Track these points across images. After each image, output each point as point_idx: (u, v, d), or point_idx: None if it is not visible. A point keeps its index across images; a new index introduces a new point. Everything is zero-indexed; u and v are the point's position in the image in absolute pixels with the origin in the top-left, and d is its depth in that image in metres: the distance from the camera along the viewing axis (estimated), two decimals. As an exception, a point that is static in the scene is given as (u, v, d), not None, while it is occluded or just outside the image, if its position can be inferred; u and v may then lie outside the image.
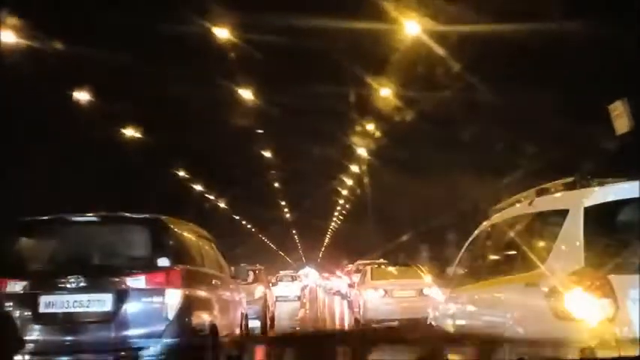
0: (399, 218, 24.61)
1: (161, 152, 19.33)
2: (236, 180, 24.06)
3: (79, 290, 4.50)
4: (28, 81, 11.28)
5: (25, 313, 4.44)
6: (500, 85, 10.70)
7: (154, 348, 4.51)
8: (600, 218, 3.39)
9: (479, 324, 4.41)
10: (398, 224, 24.77)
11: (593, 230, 3.32)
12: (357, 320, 13.09)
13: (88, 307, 4.49)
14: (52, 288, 4.50)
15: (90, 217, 4.92)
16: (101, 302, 4.50)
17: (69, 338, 4.47)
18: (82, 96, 13.82)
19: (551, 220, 3.71)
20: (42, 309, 4.47)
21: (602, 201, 3.44)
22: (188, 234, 5.46)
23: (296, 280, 29.36)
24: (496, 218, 4.68)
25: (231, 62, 12.61)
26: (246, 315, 7.24)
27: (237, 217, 36.25)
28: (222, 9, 10.52)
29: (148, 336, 4.52)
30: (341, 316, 17.64)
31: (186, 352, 4.66)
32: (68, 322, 4.48)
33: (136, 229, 4.89)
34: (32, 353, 4.40)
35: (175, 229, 5.12)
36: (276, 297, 21.33)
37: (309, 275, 46.86)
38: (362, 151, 20.51)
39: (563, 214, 3.56)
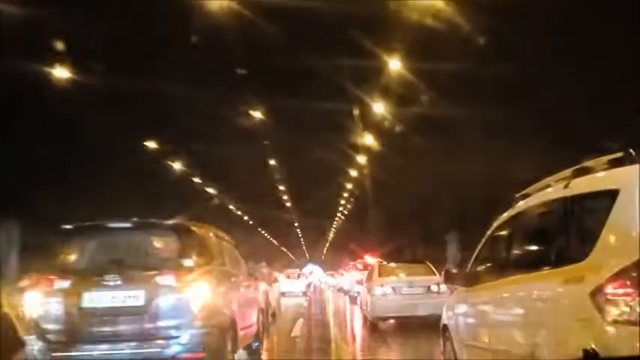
0: (403, 215, 25.27)
1: (165, 152, 19.84)
2: (240, 177, 24.40)
3: (116, 287, 5.29)
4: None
5: (70, 308, 5.27)
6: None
7: (181, 338, 5.30)
8: None
9: (504, 328, 4.10)
10: (402, 222, 25.58)
11: None
12: (364, 317, 13.66)
13: (124, 302, 5.29)
14: (93, 285, 5.30)
15: (124, 223, 5.74)
16: (135, 298, 5.29)
17: (108, 329, 5.27)
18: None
19: (595, 205, 3.28)
20: (85, 304, 5.28)
21: None
22: (210, 237, 6.28)
23: (301, 277, 31.58)
24: (522, 205, 4.28)
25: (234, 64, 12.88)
26: (263, 310, 8.16)
27: (240, 213, 36.74)
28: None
29: (176, 327, 5.31)
30: (343, 313, 18.57)
31: (209, 342, 5.47)
32: (107, 315, 5.27)
33: (165, 234, 5.71)
34: (75, 342, 5.30)
35: (199, 233, 5.94)
36: (283, 293, 22.69)
37: (314, 272, 48.15)
38: (363, 154, 20.95)
39: (611, 195, 3.11)
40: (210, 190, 27.49)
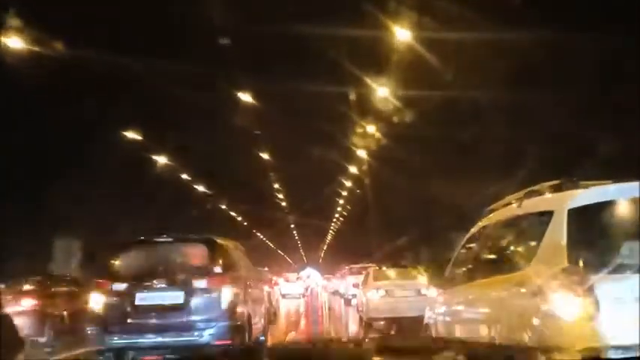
0: (400, 219, 25.42)
1: (162, 153, 20.76)
2: (237, 181, 25.28)
3: (161, 289, 7.13)
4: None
5: (126, 305, 7.10)
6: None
7: (212, 328, 7.14)
8: (583, 219, 3.77)
9: (471, 324, 5.00)
10: (399, 225, 25.74)
11: (576, 231, 3.72)
12: (360, 318, 15.39)
13: (167, 300, 7.12)
14: (143, 288, 7.13)
15: (166, 238, 7.62)
16: (176, 297, 7.12)
17: (155, 322, 7.09)
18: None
19: (539, 221, 4.09)
20: (137, 302, 7.10)
21: (585, 203, 3.83)
22: (232, 248, 8.18)
23: (299, 280, 35.06)
24: (488, 219, 5.23)
25: (231, 64, 13.25)
26: (267, 309, 10.03)
27: (238, 217, 37.85)
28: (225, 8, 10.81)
29: (208, 320, 7.13)
30: (339, 313, 20.17)
31: (233, 333, 7.30)
32: (154, 310, 7.10)
33: (198, 246, 7.57)
34: (129, 332, 7.11)
35: (223, 245, 7.82)
36: (283, 295, 25.39)
37: (311, 276, 50.47)
38: (362, 152, 21.33)
39: (549, 215, 3.94)
40: (200, 188, 27.63)
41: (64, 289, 12.99)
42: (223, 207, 33.53)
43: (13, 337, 4.60)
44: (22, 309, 10.92)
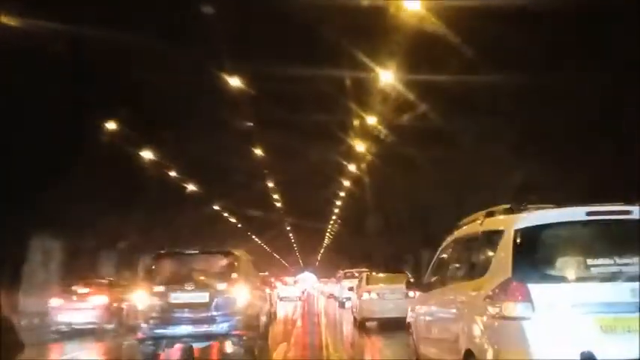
0: (397, 221, 26.38)
1: (156, 153, 20.91)
2: (233, 184, 26.06)
3: (190, 291, 9.29)
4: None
5: (163, 303, 9.27)
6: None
7: (230, 322, 9.32)
8: (526, 238, 4.54)
9: (442, 322, 5.91)
10: (399, 227, 26.59)
11: (519, 247, 4.50)
12: (354, 318, 17.29)
13: (195, 300, 9.30)
14: (177, 289, 9.30)
15: (194, 250, 9.86)
16: (202, 297, 9.30)
17: (185, 316, 9.27)
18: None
19: (494, 238, 4.88)
20: (172, 300, 9.28)
21: (528, 224, 4.63)
22: (244, 258, 10.41)
23: (297, 283, 38.58)
24: (457, 234, 6.18)
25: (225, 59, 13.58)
26: (270, 308, 12.28)
27: (230, 218, 38.54)
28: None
29: (227, 315, 9.30)
30: (333, 315, 22.14)
31: (247, 325, 9.52)
32: (185, 307, 9.27)
33: (219, 257, 9.80)
34: (166, 324, 9.27)
35: (239, 256, 10.03)
36: (281, 297, 28.48)
37: (307, 280, 53.14)
38: (360, 152, 21.16)
39: (501, 233, 4.78)
40: (190, 187, 27.13)
41: (124, 289, 16.87)
42: (216, 207, 33.65)
43: (13, 339, 4.77)
44: (95, 304, 15.51)
